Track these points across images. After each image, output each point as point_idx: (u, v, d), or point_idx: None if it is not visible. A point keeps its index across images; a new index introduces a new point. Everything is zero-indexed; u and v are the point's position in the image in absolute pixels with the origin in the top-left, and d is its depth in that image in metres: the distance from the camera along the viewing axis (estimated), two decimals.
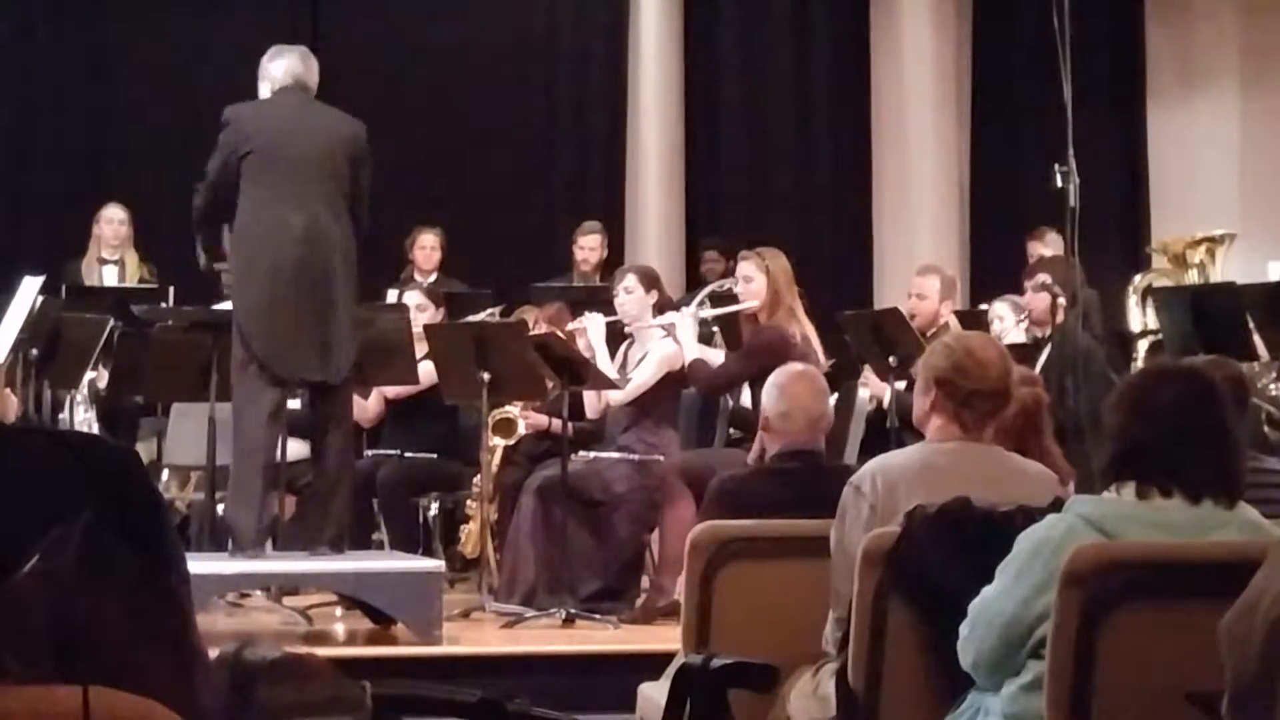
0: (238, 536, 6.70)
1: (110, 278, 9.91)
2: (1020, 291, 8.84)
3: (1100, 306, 9.49)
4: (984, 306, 9.35)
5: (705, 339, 8.33)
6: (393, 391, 8.31)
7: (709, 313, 8.17)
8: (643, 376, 7.58)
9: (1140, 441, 3.30)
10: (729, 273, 8.76)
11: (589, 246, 10.55)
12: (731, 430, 8.15)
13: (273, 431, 6.76)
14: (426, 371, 7.99)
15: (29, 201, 11.11)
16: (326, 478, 6.81)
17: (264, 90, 6.98)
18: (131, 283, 9.84)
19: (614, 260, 10.36)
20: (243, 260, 6.80)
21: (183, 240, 10.30)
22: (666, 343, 7.66)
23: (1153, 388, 3.37)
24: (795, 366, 5.35)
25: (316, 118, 6.90)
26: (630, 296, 7.76)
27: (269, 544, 7.02)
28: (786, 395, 4.99)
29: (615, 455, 7.55)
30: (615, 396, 7.57)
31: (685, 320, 7.70)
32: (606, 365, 7.60)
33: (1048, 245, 9.55)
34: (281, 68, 6.93)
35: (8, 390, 7.18)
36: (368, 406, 8.48)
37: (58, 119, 11.47)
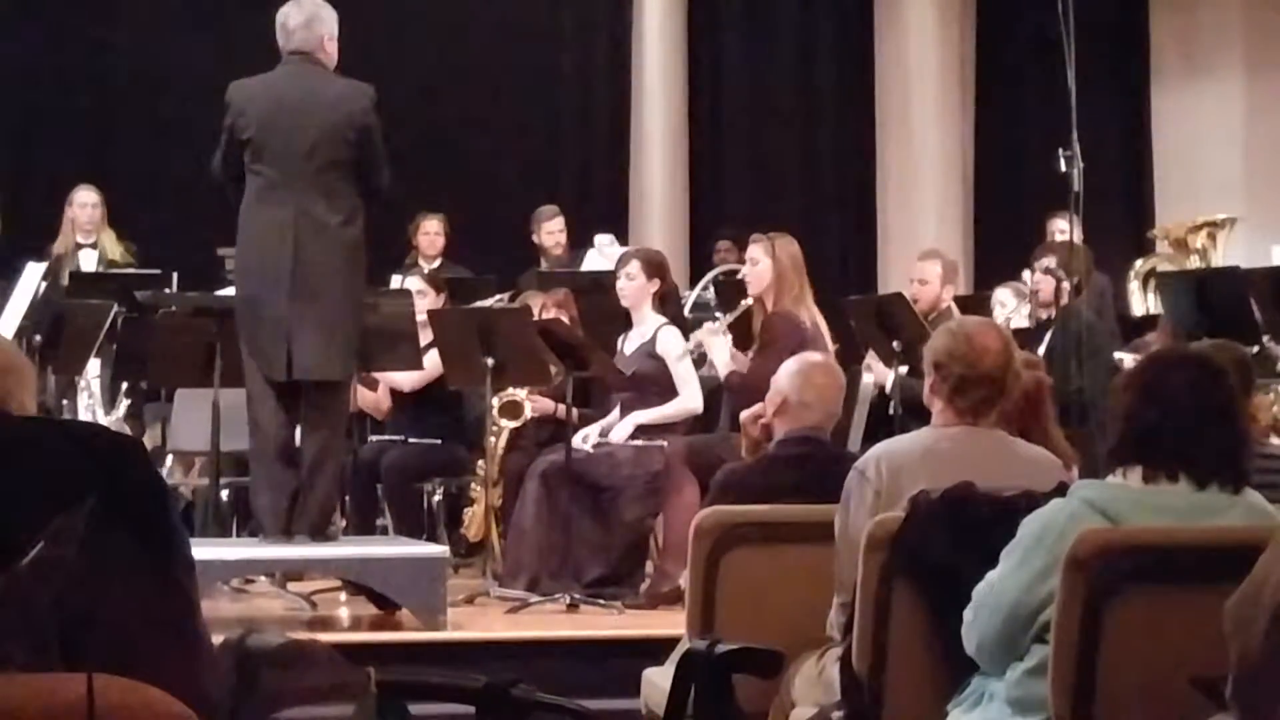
0: (264, 524, 6.69)
1: (88, 262, 9.81)
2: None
3: (1107, 290, 9.46)
4: (987, 293, 9.33)
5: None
6: (408, 385, 8.24)
7: (724, 322, 8.14)
8: (689, 383, 7.55)
9: (1151, 425, 3.29)
10: (740, 264, 8.73)
11: (555, 230, 10.53)
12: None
13: (283, 417, 6.64)
14: (433, 362, 7.95)
15: (31, 187, 11.09)
16: (300, 475, 6.63)
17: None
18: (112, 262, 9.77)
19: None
20: (239, 250, 6.72)
21: (183, 226, 10.27)
22: (673, 337, 7.58)
23: (1165, 372, 3.36)
24: (816, 356, 5.39)
25: (316, 101, 6.65)
26: (632, 283, 7.71)
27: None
28: (813, 385, 4.99)
29: (619, 440, 7.54)
30: (688, 409, 7.54)
31: (715, 340, 7.64)
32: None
33: (1068, 222, 9.52)
34: (291, 34, 6.71)
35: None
36: (379, 399, 8.46)
37: (60, 107, 11.44)
